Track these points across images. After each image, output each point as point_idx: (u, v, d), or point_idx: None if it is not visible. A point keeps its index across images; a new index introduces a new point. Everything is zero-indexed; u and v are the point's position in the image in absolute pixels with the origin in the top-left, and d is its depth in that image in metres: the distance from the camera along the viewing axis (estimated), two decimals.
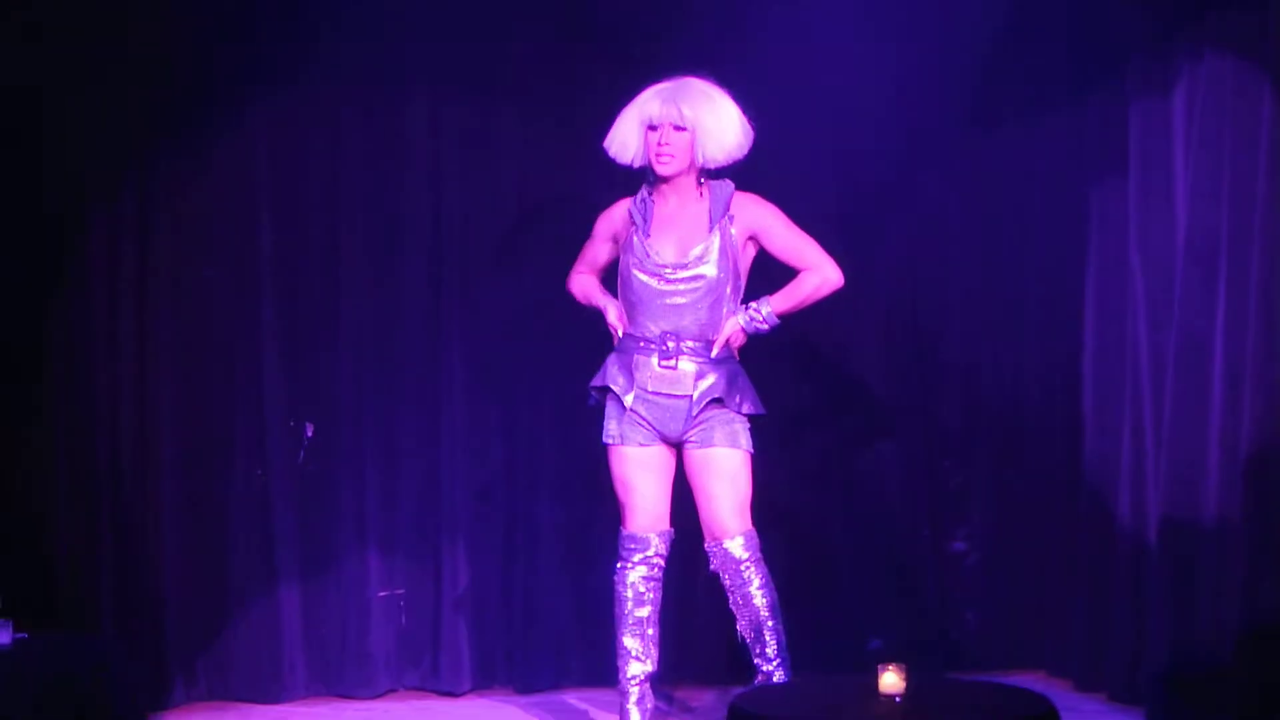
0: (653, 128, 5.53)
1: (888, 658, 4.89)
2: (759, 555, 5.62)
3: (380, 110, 6.47)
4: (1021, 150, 6.70)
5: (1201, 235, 5.83)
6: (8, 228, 6.07)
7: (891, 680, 4.79)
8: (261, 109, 6.36)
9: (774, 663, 5.61)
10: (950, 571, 6.80)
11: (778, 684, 5.29)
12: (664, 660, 5.86)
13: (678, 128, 5.52)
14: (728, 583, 5.62)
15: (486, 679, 6.58)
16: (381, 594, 6.50)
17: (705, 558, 5.69)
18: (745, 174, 6.05)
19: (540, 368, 6.46)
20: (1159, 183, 6.06)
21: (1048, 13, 6.51)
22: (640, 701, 5.70)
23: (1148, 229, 6.12)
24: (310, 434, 6.45)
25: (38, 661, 5.32)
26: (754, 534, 5.63)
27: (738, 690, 6.19)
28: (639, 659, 5.69)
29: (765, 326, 5.64)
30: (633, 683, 5.70)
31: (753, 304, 5.65)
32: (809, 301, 5.68)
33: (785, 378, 6.71)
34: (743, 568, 5.58)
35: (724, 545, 5.60)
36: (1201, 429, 5.82)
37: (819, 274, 5.65)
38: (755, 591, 5.59)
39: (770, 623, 5.59)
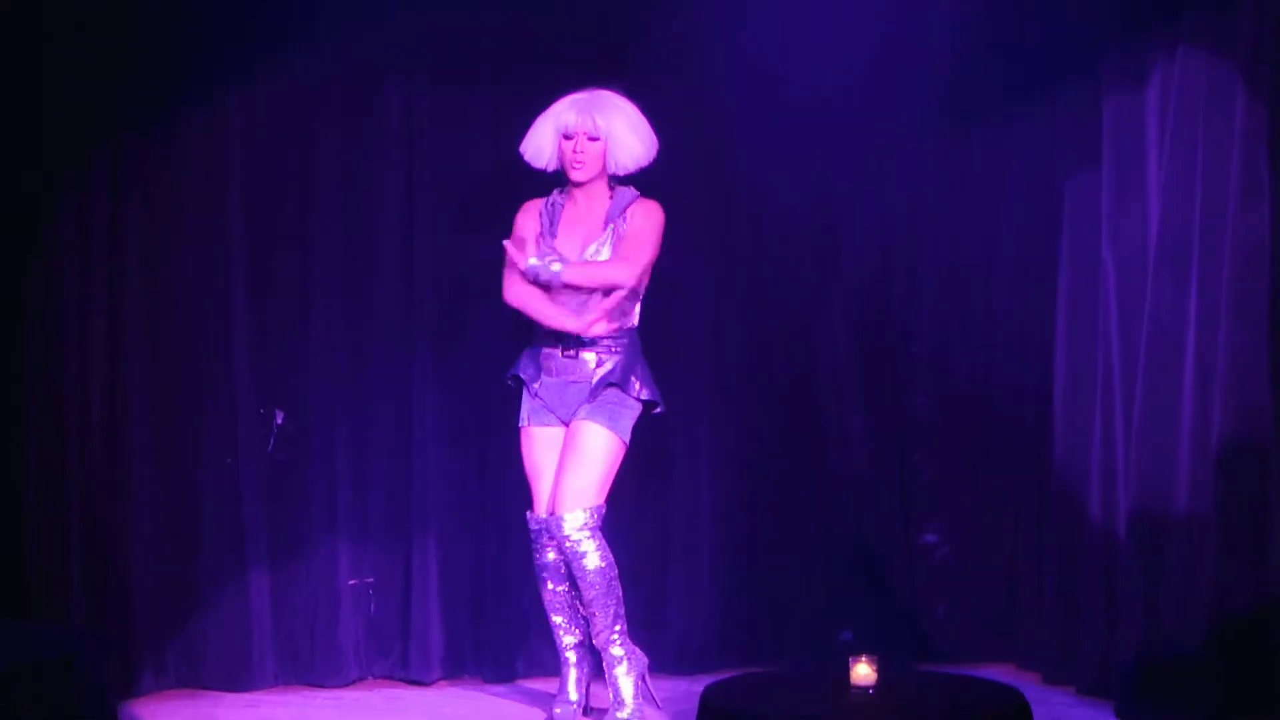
0: (567, 136, 5.83)
1: (859, 649, 4.90)
2: (590, 534, 5.76)
3: (355, 96, 6.45)
4: (994, 144, 6.73)
5: (1173, 231, 5.86)
6: None
7: (864, 672, 4.81)
8: (234, 94, 6.32)
9: (602, 636, 5.83)
10: (921, 564, 6.83)
11: (750, 675, 5.31)
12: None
13: (591, 137, 5.81)
14: (563, 556, 5.82)
15: (455, 668, 6.57)
16: (351, 582, 6.49)
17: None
18: (726, 166, 6.10)
19: (512, 357, 6.44)
20: (1132, 178, 6.09)
21: (1022, 7, 6.52)
22: (579, 664, 5.96)
23: (1119, 224, 6.14)
24: (280, 422, 6.43)
25: (4, 650, 5.27)
26: (593, 512, 5.77)
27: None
28: (568, 631, 5.94)
29: (544, 276, 5.75)
30: (567, 650, 5.96)
31: (552, 256, 5.76)
32: (594, 280, 5.77)
33: (756, 370, 6.74)
34: (568, 545, 5.77)
35: (556, 517, 5.79)
36: (1172, 423, 5.85)
37: (616, 264, 5.79)
38: (584, 568, 5.75)
39: (600, 600, 5.77)
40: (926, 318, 6.82)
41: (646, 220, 5.87)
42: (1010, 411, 6.75)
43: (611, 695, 5.85)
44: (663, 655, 6.57)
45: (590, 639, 5.90)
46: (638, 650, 5.89)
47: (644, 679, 5.87)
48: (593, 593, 5.77)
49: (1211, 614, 5.62)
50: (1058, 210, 6.48)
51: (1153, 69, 5.98)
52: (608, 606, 5.78)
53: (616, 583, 5.80)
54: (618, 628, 5.82)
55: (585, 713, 5.97)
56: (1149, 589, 5.90)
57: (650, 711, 5.88)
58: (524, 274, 5.78)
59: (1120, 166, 6.13)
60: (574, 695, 5.94)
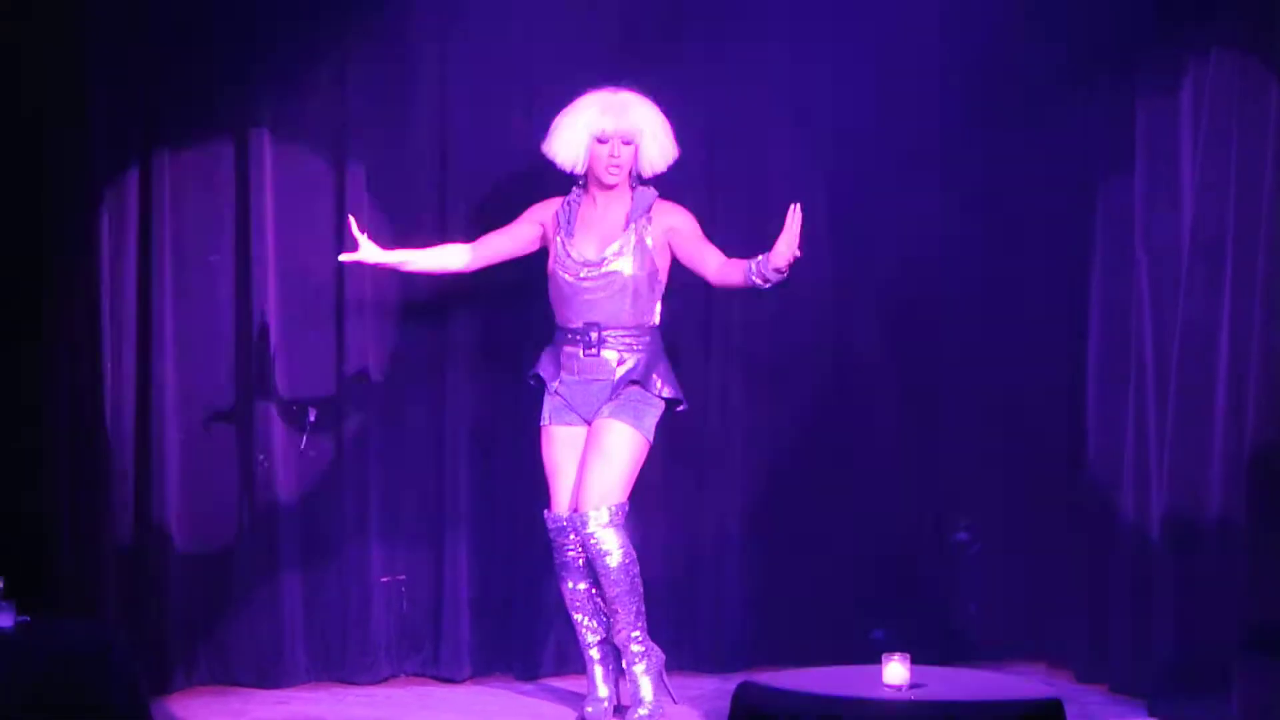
0: (602, 140, 5.82)
1: (891, 648, 4.90)
2: (614, 531, 5.76)
3: (387, 88, 6.47)
4: (1029, 144, 6.71)
5: (1208, 230, 5.85)
6: (10, 213, 6.06)
7: (896, 671, 4.80)
8: (265, 89, 6.35)
9: (623, 634, 5.81)
10: (953, 562, 6.82)
11: (782, 673, 5.30)
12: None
13: (626, 141, 5.83)
14: (587, 553, 5.81)
15: (486, 666, 6.59)
16: (383, 580, 6.50)
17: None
18: (754, 167, 6.10)
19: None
20: (1165, 177, 6.08)
21: (1055, 7, 6.51)
22: (603, 661, 5.93)
23: (1154, 223, 6.14)
24: (313, 419, 6.45)
25: (39, 645, 5.30)
26: (617, 509, 5.78)
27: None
28: (591, 629, 5.93)
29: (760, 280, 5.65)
30: (591, 648, 5.94)
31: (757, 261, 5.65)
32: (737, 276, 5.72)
33: (788, 369, 6.73)
34: (592, 541, 5.76)
35: (580, 514, 5.80)
36: (1206, 424, 5.84)
37: (717, 254, 5.82)
38: (607, 565, 5.75)
39: (623, 597, 5.76)
40: (960, 318, 6.80)
41: (685, 216, 5.89)
42: (1043, 410, 6.73)
43: (631, 692, 5.86)
44: (694, 653, 6.59)
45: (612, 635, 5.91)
46: (655, 646, 5.90)
47: (662, 676, 5.88)
48: (615, 590, 5.77)
49: (1245, 614, 5.60)
50: (1091, 209, 6.47)
51: (1186, 71, 5.97)
52: (630, 604, 5.79)
53: (639, 580, 5.81)
54: (639, 624, 5.83)
55: (615, 710, 5.98)
56: (1182, 588, 5.89)
57: (669, 707, 5.89)
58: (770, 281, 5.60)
59: (1154, 166, 6.12)
60: (603, 692, 5.95)
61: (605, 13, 6.53)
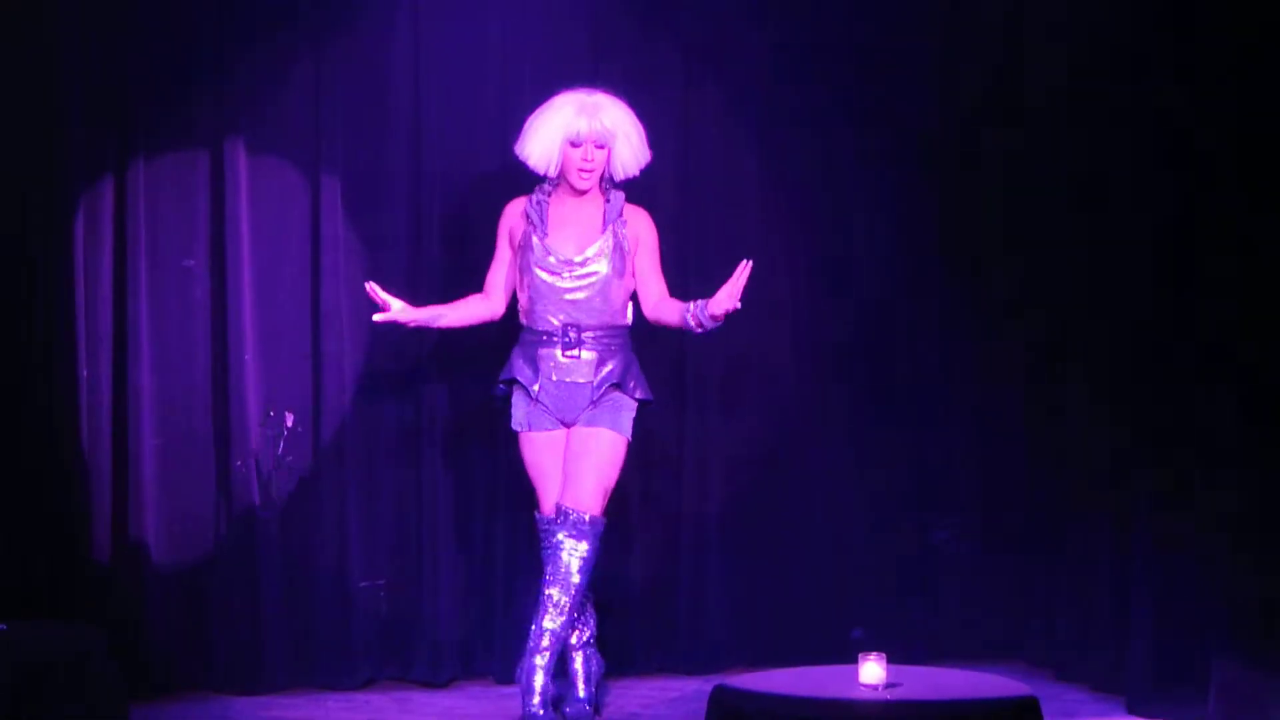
0: (575, 144, 5.79)
1: (869, 647, 4.91)
2: (593, 541, 5.76)
3: (361, 97, 6.47)
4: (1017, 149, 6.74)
5: None
6: None
7: (873, 670, 4.81)
8: (240, 98, 6.35)
9: (541, 625, 5.75)
10: (933, 561, 6.83)
11: (760, 674, 5.30)
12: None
13: (599, 145, 5.80)
14: (552, 545, 5.77)
15: (466, 670, 6.59)
16: (362, 585, 6.50)
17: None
18: (727, 169, 6.11)
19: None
20: None
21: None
22: (585, 662, 5.96)
23: None
24: (290, 424, 6.44)
25: (18, 652, 5.31)
26: (599, 520, 5.79)
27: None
28: (576, 628, 5.94)
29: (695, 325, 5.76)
30: (573, 650, 5.97)
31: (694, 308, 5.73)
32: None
33: (766, 371, 6.74)
34: (566, 541, 5.74)
35: (563, 510, 5.78)
36: None
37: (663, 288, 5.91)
38: (569, 569, 5.74)
39: (565, 604, 5.73)
40: (938, 316, 6.82)
41: (652, 231, 5.91)
42: (1022, 409, 6.75)
43: (523, 681, 5.78)
44: (673, 655, 6.60)
45: (594, 636, 5.95)
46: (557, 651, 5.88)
47: (529, 678, 5.79)
48: (567, 593, 5.74)
49: (1223, 611, 5.62)
50: None
51: None
52: (566, 608, 5.74)
53: (585, 593, 5.82)
54: (556, 629, 5.76)
55: (596, 711, 5.98)
56: (1161, 586, 5.90)
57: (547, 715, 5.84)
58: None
59: None
60: (582, 693, 5.95)
61: (579, 21, 6.53)
